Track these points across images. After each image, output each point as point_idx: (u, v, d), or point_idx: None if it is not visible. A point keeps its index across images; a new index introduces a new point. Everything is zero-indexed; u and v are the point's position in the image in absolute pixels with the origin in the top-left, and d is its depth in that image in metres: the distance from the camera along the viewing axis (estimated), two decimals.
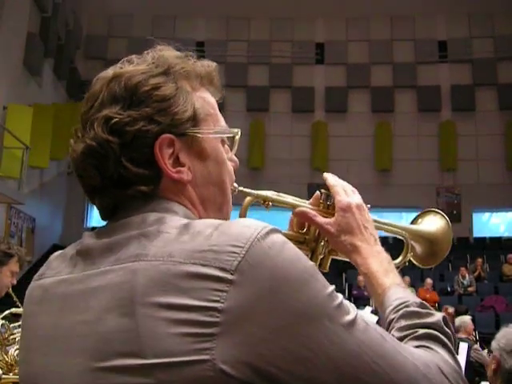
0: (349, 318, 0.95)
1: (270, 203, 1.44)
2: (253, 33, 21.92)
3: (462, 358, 3.19)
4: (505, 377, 2.80)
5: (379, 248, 1.37)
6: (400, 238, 1.60)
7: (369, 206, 1.47)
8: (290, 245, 0.96)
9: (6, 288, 3.84)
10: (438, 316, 1.17)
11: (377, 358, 0.93)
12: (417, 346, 1.08)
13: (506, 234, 20.61)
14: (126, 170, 1.03)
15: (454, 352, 1.11)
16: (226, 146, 1.22)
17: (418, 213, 1.67)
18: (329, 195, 1.46)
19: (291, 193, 1.50)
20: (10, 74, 14.60)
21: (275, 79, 21.47)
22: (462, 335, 8.16)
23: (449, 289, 15.75)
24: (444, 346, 1.10)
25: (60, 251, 1.14)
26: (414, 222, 1.66)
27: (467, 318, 8.93)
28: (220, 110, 1.22)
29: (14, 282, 3.87)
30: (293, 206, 1.47)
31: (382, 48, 21.42)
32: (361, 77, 21.21)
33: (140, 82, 1.06)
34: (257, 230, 0.93)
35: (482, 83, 20.76)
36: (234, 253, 0.90)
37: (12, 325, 3.51)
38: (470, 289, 15.27)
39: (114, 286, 0.93)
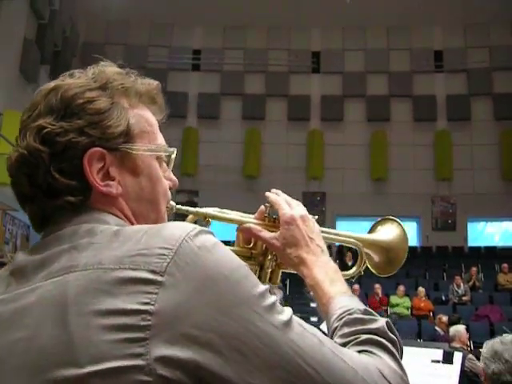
0: (282, 318, 0.95)
1: (210, 220, 1.44)
2: (249, 41, 21.95)
3: (456, 367, 3.19)
4: (492, 380, 3.06)
5: (326, 258, 1.37)
6: (353, 247, 1.61)
7: (316, 217, 1.48)
8: (221, 245, 0.97)
9: None
10: (381, 322, 1.16)
11: (312, 362, 0.93)
12: (359, 351, 1.07)
13: (501, 244, 20.61)
14: (54, 180, 1.04)
15: (398, 357, 1.10)
16: (164, 164, 1.22)
17: (375, 221, 1.68)
18: (272, 208, 1.46)
19: None
20: (6, 80, 14.58)
21: (271, 87, 21.49)
22: (456, 344, 8.14)
23: (443, 298, 15.73)
24: (387, 351, 1.10)
25: None
26: (372, 230, 1.66)
27: (462, 328, 8.92)
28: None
29: None
30: (237, 222, 1.47)
31: (378, 57, 21.48)
32: (357, 86, 21.25)
33: (75, 95, 1.08)
34: (186, 231, 0.94)
35: (478, 93, 20.83)
36: (163, 255, 0.91)
37: None
38: (464, 298, 15.25)
39: (46, 301, 0.93)
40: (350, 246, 1.61)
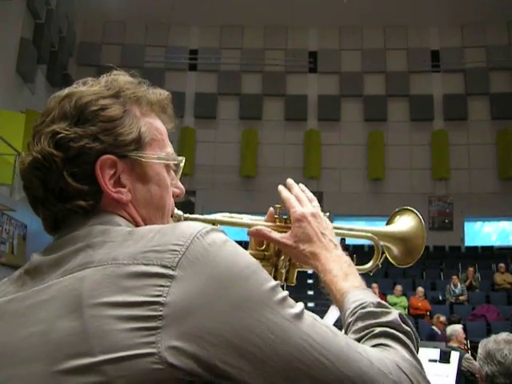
0: (293, 311, 0.96)
1: (220, 226, 1.45)
2: (246, 41, 21.96)
3: (453, 366, 3.19)
4: (487, 382, 2.90)
5: (339, 252, 1.38)
6: (369, 240, 1.62)
7: (328, 213, 1.48)
8: (232, 242, 0.99)
9: None
10: (394, 314, 1.17)
11: (326, 353, 0.94)
12: (374, 345, 1.08)
13: (498, 243, 20.66)
14: (66, 184, 1.07)
15: (412, 349, 1.11)
16: (172, 172, 1.25)
17: (394, 212, 1.68)
18: (282, 209, 1.48)
19: None
20: (2, 80, 14.56)
21: (268, 87, 21.51)
22: (453, 344, 8.17)
23: (440, 297, 15.74)
24: (401, 343, 1.10)
25: (7, 277, 1.16)
26: (389, 222, 1.67)
27: (458, 327, 8.95)
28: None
29: None
30: (247, 226, 1.48)
31: (374, 57, 21.50)
32: (354, 85, 21.28)
33: (89, 102, 1.10)
34: (197, 229, 0.98)
35: (474, 93, 20.87)
36: (175, 251, 0.94)
37: None
38: (461, 298, 15.27)
39: (62, 295, 0.96)
40: (365, 239, 1.61)
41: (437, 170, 20.46)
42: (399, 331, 1.13)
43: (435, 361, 3.24)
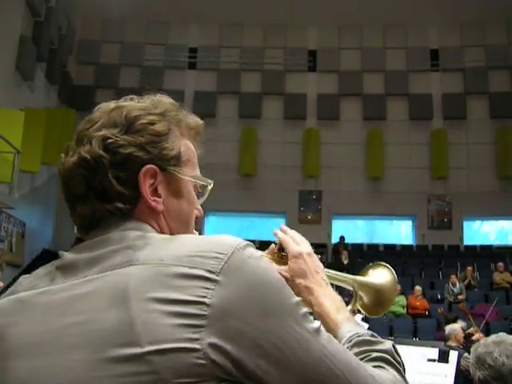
0: (314, 325, 1.07)
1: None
2: (245, 39, 21.94)
3: (452, 366, 3.19)
4: None
5: (330, 290, 1.53)
6: (349, 287, 1.74)
7: (319, 256, 1.62)
8: (265, 258, 1.11)
9: None
10: (388, 344, 1.29)
11: (340, 366, 1.05)
12: (372, 367, 1.17)
13: (497, 243, 20.66)
14: (110, 185, 1.15)
15: (404, 377, 1.22)
16: (197, 192, 1.33)
17: (368, 266, 1.80)
18: (282, 246, 1.62)
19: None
20: (1, 77, 14.55)
21: (267, 86, 21.50)
22: (452, 343, 8.16)
23: (439, 296, 15.76)
24: (396, 368, 1.22)
25: (30, 273, 1.21)
26: (363, 273, 1.78)
27: (457, 326, 8.95)
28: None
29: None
30: None
31: (374, 56, 21.49)
32: (353, 84, 21.27)
33: (139, 115, 1.20)
34: (237, 241, 1.07)
35: (474, 92, 20.87)
36: (219, 258, 1.02)
37: None
38: (460, 297, 15.27)
39: (105, 289, 1.03)
40: (346, 286, 1.73)
41: (436, 169, 20.46)
42: (393, 359, 1.24)
43: (434, 360, 3.23)
